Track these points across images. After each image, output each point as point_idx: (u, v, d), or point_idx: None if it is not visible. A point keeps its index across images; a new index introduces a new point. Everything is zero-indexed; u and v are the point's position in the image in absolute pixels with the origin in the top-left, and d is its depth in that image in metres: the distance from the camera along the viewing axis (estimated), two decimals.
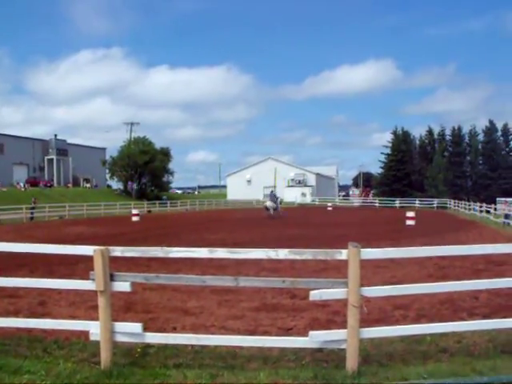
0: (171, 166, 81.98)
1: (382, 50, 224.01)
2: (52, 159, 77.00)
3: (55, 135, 79.24)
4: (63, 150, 78.31)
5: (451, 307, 8.15)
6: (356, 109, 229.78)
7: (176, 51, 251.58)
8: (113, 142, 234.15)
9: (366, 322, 6.27)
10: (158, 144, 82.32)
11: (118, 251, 5.56)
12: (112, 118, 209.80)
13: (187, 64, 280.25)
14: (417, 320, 7.33)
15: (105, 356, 5.39)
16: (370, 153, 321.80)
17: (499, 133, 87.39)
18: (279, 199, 43.22)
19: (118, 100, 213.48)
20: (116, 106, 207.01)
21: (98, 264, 5.30)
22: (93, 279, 5.37)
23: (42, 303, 8.60)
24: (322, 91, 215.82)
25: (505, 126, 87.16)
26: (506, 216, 30.55)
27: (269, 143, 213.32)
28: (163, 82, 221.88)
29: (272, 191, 45.22)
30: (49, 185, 68.70)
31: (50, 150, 76.93)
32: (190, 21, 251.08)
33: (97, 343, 5.55)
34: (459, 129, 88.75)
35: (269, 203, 39.65)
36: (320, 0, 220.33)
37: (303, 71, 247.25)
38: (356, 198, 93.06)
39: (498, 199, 54.27)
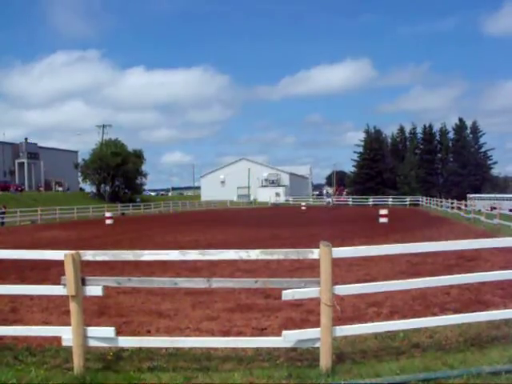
0: (144, 167, 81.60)
1: (359, 49, 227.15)
2: (23, 163, 75.66)
3: (26, 138, 77.96)
4: (34, 153, 77.03)
5: (423, 303, 8.26)
6: (331, 108, 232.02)
7: (152, 53, 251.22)
8: (87, 145, 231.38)
9: (339, 319, 6.33)
10: (133, 146, 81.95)
11: (89, 255, 5.51)
12: (86, 120, 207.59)
13: (163, 65, 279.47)
14: (390, 317, 7.42)
15: (77, 361, 5.33)
16: (345, 152, 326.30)
17: (468, 130, 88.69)
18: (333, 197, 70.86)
19: (92, 102, 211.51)
20: (91, 109, 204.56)
21: (69, 268, 5.24)
22: (64, 284, 5.31)
23: (13, 310, 8.46)
24: (298, 91, 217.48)
25: (474, 124, 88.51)
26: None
27: (244, 144, 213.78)
28: (139, 84, 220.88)
29: (327, 192, 71.58)
30: (20, 189, 67.45)
31: (21, 154, 75.60)
32: (167, 22, 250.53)
33: (69, 349, 5.49)
34: (430, 127, 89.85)
35: (329, 199, 65.36)
36: (297, 0, 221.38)
37: (279, 71, 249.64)
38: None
39: (468, 195, 55.26)
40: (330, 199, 66.70)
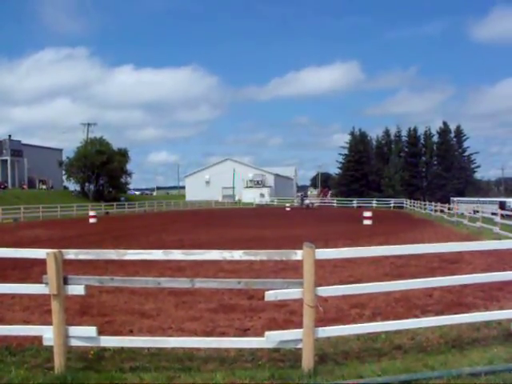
0: (129, 166, 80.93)
1: (348, 52, 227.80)
2: (6, 160, 74.77)
3: (9, 135, 77.08)
4: (18, 150, 76.11)
5: (406, 305, 8.30)
6: (319, 110, 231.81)
7: (141, 52, 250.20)
8: (72, 143, 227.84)
9: (322, 321, 6.35)
10: (119, 145, 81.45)
11: (71, 254, 5.47)
12: (72, 118, 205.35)
13: (152, 65, 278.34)
14: (372, 318, 7.45)
15: (59, 361, 5.29)
16: (330, 153, 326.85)
17: (452, 134, 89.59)
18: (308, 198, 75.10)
19: (79, 100, 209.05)
20: (77, 107, 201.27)
21: (51, 267, 5.20)
22: (46, 283, 5.27)
23: None
24: (287, 92, 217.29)
25: (458, 128, 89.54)
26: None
27: (230, 144, 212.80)
28: (127, 83, 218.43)
29: (303, 194, 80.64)
30: (2, 186, 66.78)
31: (4, 151, 74.66)
32: (157, 22, 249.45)
33: (50, 348, 5.45)
34: (415, 130, 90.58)
35: (307, 201, 66.35)
36: (288, 2, 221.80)
37: (269, 73, 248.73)
38: (314, 199, 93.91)
39: (452, 199, 55.74)
40: (307, 201, 67.12)
